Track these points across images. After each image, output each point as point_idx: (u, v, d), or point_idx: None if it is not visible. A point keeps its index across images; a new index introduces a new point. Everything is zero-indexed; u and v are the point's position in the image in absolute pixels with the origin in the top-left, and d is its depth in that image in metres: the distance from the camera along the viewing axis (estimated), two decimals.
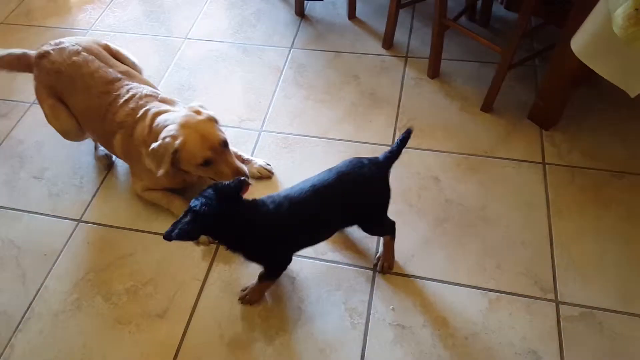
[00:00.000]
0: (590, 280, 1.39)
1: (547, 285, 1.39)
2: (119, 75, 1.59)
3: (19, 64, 1.67)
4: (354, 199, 1.27)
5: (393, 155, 1.30)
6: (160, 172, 1.42)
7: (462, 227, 1.54)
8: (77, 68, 1.57)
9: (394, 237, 1.43)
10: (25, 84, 2.10)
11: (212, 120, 1.45)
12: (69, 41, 1.63)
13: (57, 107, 1.62)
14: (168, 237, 1.12)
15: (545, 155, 1.69)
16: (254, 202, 1.24)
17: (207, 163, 1.41)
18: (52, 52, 1.60)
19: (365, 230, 1.39)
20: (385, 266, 1.45)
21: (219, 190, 1.17)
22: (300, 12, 2.26)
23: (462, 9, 2.05)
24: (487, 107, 1.84)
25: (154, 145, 1.40)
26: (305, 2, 2.24)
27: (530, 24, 2.03)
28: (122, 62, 1.68)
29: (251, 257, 1.29)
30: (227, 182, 1.19)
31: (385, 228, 1.40)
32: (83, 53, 1.59)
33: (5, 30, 2.38)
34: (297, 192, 1.25)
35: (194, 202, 1.15)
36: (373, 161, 1.29)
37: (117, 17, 2.40)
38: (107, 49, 1.69)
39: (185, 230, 1.12)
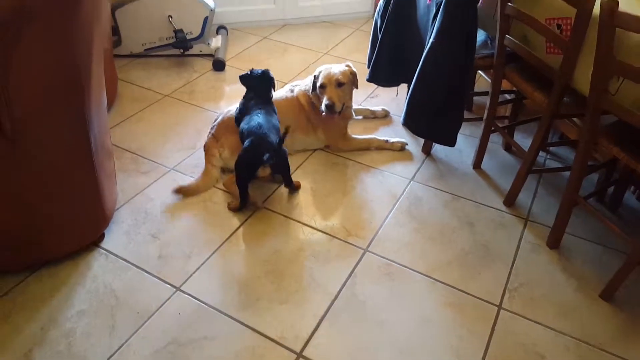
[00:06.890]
0: None
1: None
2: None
3: None
4: None
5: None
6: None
7: None
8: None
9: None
10: (171, 151, 2.34)
11: (346, 71, 2.27)
12: None
13: None
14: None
15: None
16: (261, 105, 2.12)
17: (322, 87, 2.23)
18: None
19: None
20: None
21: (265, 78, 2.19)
22: (427, 150, 2.36)
23: (593, 190, 2.03)
24: (607, 295, 1.72)
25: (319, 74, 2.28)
26: (434, 143, 2.34)
27: None
28: None
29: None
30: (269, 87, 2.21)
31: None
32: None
33: (168, 102, 2.71)
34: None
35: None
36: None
37: None
38: None
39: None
